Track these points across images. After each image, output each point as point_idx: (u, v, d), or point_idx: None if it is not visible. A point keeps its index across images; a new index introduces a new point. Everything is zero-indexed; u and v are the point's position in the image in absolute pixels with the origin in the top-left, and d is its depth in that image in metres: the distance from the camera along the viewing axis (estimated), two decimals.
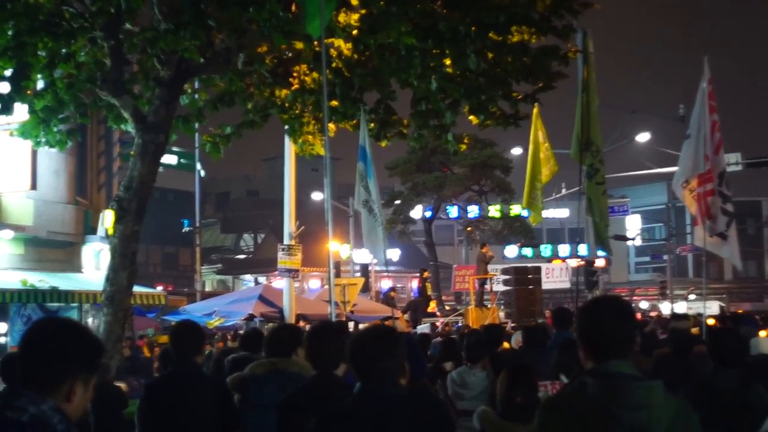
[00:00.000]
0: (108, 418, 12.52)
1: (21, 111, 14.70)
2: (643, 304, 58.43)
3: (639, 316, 30.25)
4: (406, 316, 31.01)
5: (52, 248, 26.82)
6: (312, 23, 11.21)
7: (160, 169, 14.97)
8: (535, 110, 15.79)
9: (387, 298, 30.80)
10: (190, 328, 7.37)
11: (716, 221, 12.58)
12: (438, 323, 30.44)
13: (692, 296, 58.17)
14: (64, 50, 13.49)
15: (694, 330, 14.26)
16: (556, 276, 54.60)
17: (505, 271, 32.61)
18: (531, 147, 16.85)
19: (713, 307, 46.58)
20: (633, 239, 64.17)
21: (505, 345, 13.27)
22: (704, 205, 12.73)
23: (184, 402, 6.82)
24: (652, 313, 37.65)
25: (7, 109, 13.26)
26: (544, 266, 39.67)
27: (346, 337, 6.00)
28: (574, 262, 44.60)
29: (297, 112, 15.36)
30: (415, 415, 4.44)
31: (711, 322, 16.99)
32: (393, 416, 4.37)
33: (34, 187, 24.46)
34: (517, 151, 46.01)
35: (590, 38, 13.49)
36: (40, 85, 14.69)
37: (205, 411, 6.85)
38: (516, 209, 44.59)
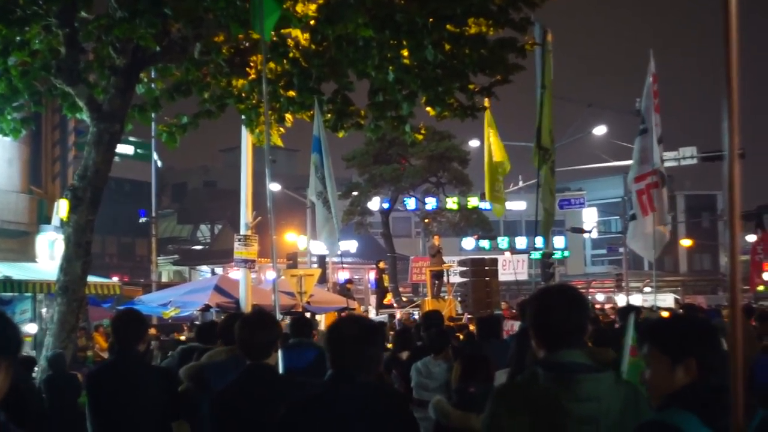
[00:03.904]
0: (63, 407, 12.47)
1: None
2: (599, 297, 58.75)
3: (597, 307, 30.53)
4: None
5: (6, 237, 26.55)
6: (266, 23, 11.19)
7: (117, 158, 14.87)
8: (486, 111, 15.85)
9: (343, 290, 30.78)
10: (132, 317, 7.36)
11: (662, 213, 12.69)
12: (396, 314, 30.49)
13: (647, 289, 58.61)
14: (18, 37, 13.36)
15: None
16: (513, 268, 54.84)
17: (462, 263, 32.67)
18: (486, 143, 16.96)
19: (668, 300, 46.96)
20: (589, 232, 64.55)
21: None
22: (647, 198, 12.82)
23: (125, 389, 6.82)
24: (607, 306, 37.85)
25: None
26: (500, 258, 39.84)
27: (277, 326, 6.00)
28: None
29: (254, 102, 15.29)
30: (384, 407, 4.45)
31: (665, 314, 17.14)
32: (368, 405, 4.38)
33: None
34: (474, 143, 46.14)
35: (550, 33, 13.52)
36: None
37: (147, 398, 6.84)
38: (473, 201, 44.77)
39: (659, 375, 3.64)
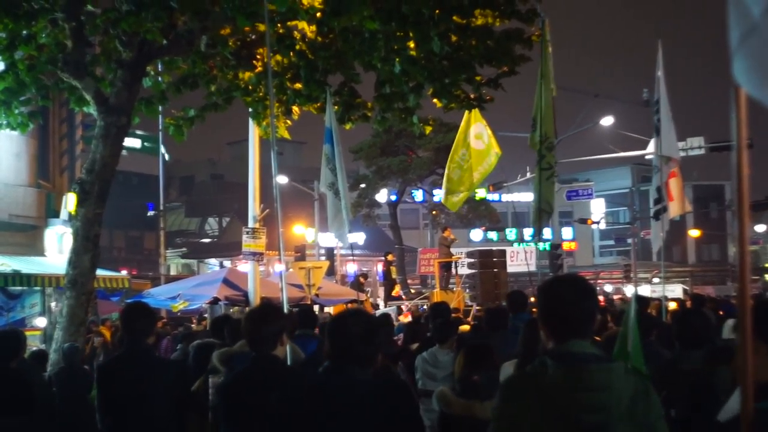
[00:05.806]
0: (72, 400, 12.46)
1: None
2: (608, 288, 58.74)
3: (602, 300, 30.48)
4: None
5: (14, 231, 26.62)
6: None
7: (124, 152, 14.89)
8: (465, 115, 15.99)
9: (357, 283, 30.64)
10: (141, 310, 7.36)
11: (683, 201, 12.73)
12: (403, 306, 30.49)
13: (656, 279, 58.59)
14: (24, 31, 13.35)
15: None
16: (521, 259, 54.82)
17: (470, 255, 32.68)
18: (463, 135, 17.14)
19: (677, 290, 46.91)
20: (597, 223, 64.47)
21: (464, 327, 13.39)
22: (666, 187, 12.86)
23: (135, 382, 6.83)
24: (616, 297, 37.83)
25: None
26: (508, 249, 39.79)
27: (284, 318, 6.03)
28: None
29: (261, 94, 15.27)
30: (381, 398, 4.46)
31: (673, 305, 17.13)
32: (358, 398, 4.39)
33: None
34: None
35: (548, 25, 13.41)
36: (0, 67, 14.55)
37: (158, 391, 6.85)
38: (481, 193, 44.70)
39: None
